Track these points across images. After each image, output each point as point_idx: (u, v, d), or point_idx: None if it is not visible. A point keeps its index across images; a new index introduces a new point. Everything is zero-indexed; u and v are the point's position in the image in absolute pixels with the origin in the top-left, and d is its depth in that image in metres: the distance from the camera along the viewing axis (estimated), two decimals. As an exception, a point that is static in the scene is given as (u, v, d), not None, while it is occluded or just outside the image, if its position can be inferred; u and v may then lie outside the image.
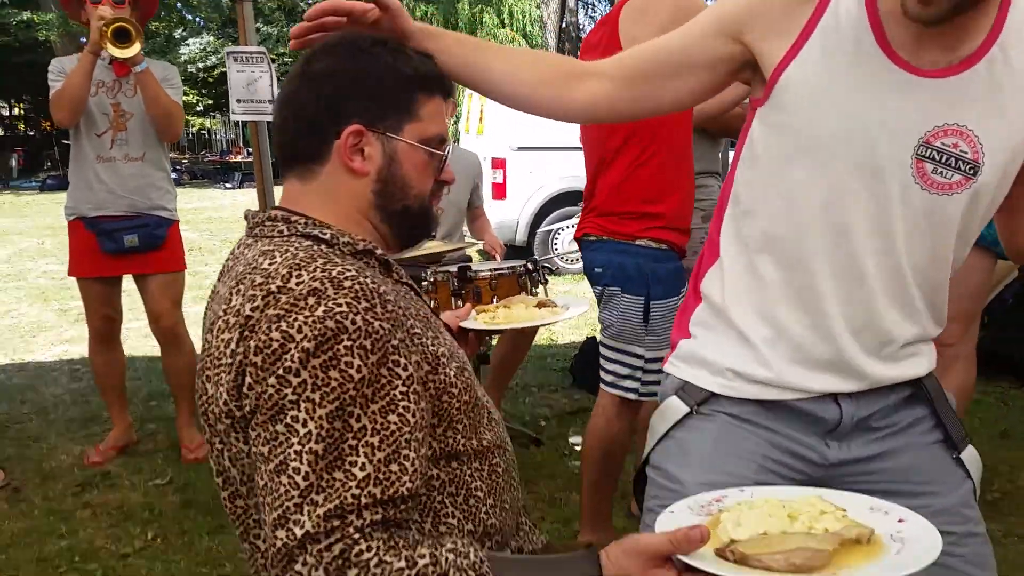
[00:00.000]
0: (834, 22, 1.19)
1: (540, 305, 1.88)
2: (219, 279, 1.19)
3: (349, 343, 0.98)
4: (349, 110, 1.14)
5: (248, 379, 1.00)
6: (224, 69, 4.11)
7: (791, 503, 1.05)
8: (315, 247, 1.10)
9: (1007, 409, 3.80)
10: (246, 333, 1.01)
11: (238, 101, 3.90)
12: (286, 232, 1.13)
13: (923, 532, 0.97)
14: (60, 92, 3.19)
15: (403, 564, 0.94)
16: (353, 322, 0.99)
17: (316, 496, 0.94)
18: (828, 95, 1.19)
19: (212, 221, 12.56)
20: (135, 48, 3.11)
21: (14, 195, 19.12)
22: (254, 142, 4.21)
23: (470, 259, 3.97)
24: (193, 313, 3.69)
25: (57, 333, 5.89)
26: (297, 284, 1.01)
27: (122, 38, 3.09)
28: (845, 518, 1.01)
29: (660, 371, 1.45)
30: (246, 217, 1.22)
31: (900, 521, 1.01)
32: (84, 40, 3.18)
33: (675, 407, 1.34)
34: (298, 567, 0.93)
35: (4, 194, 19.51)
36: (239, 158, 22.49)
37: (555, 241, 8.06)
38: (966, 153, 1.16)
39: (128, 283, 3.52)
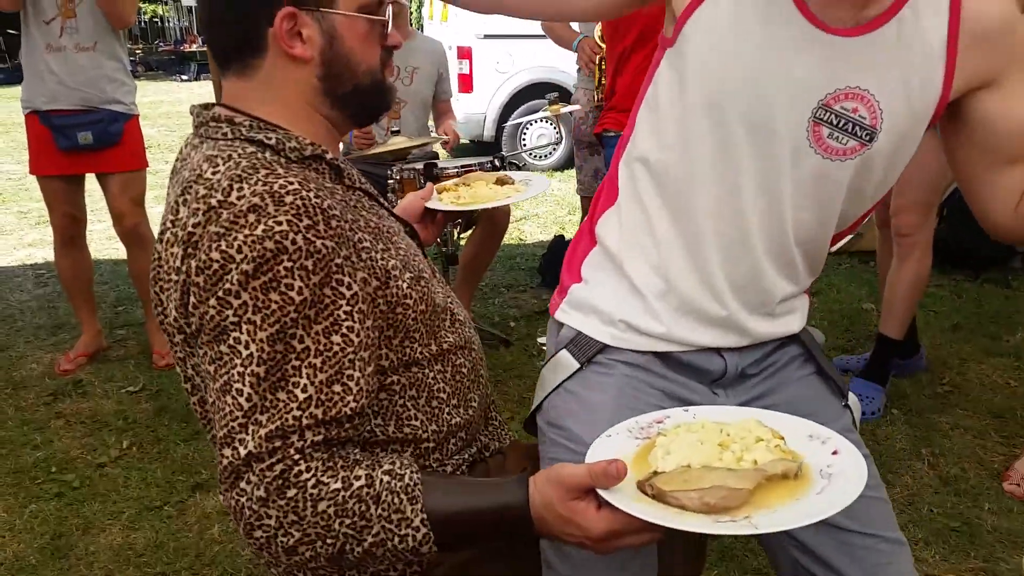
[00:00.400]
0: None
1: (499, 182, 1.85)
2: (170, 181, 1.15)
3: (290, 264, 0.97)
4: None
5: (192, 299, 1.00)
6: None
7: (728, 427, 1.03)
8: (259, 154, 1.06)
9: (960, 302, 3.91)
10: (189, 250, 1.00)
11: (195, -15, 3.73)
12: (230, 135, 1.09)
13: (853, 468, 0.94)
14: None
15: (339, 485, 0.96)
16: (294, 242, 0.97)
17: (260, 416, 0.96)
18: (733, 47, 1.14)
19: (170, 116, 12.18)
20: None
21: (-40, 88, 18.32)
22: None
23: (436, 155, 3.92)
24: (155, 214, 3.62)
25: (18, 237, 5.77)
26: (238, 199, 0.99)
27: None
28: (779, 448, 0.99)
29: None
30: (191, 112, 1.18)
31: (834, 453, 0.99)
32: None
33: (566, 363, 1.32)
34: (243, 484, 0.96)
35: (-51, 87, 18.68)
36: (194, 48, 21.60)
37: (523, 136, 7.95)
38: (864, 119, 1.14)
39: (91, 182, 3.44)
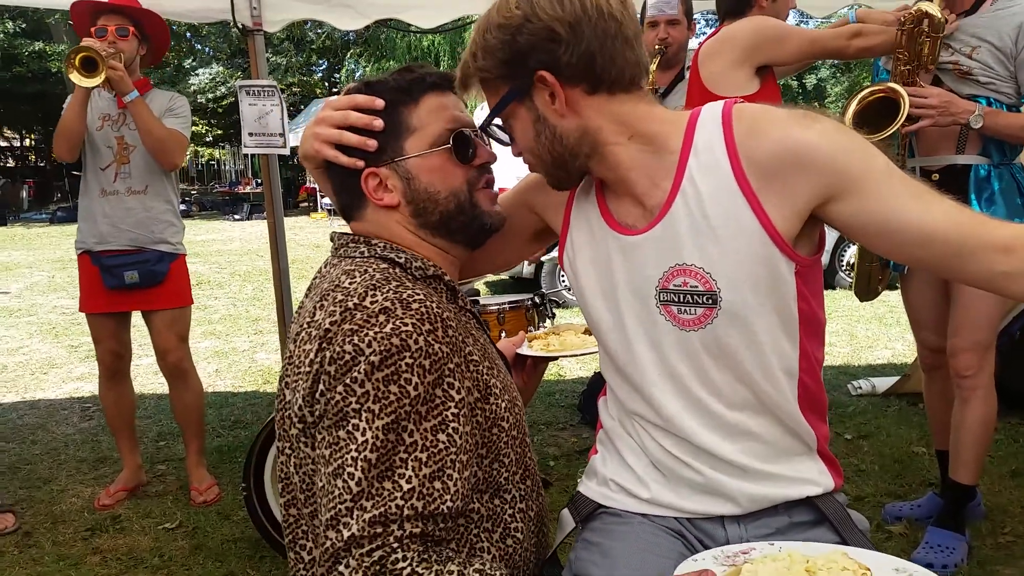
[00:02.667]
0: (583, 196, 1.35)
1: (588, 332, 1.91)
2: (306, 295, 1.28)
3: (411, 360, 1.07)
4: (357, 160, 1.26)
5: (321, 386, 1.09)
6: (233, 99, 4.16)
7: (814, 559, 1.05)
8: (391, 269, 1.20)
9: (1017, 447, 3.77)
10: (324, 344, 1.10)
11: (250, 135, 3.94)
12: (367, 253, 1.25)
13: None
14: (57, 127, 3.22)
15: None
16: (416, 341, 1.07)
17: (366, 502, 1.02)
18: (586, 269, 1.34)
19: (221, 254, 12.63)
20: (99, 78, 3.06)
21: (24, 227, 19.29)
22: (264, 174, 4.25)
23: (478, 292, 3.98)
24: (201, 349, 3.70)
25: (67, 370, 5.91)
26: (372, 303, 1.10)
27: (89, 67, 3.07)
28: None
29: None
30: (332, 239, 1.35)
31: None
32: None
33: (565, 522, 1.44)
34: (341, 568, 1.02)
35: (15, 226, 19.68)
36: (248, 189, 22.64)
37: (562, 273, 8.07)
38: (697, 287, 1.23)
39: (136, 318, 3.54)
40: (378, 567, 1.00)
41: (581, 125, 1.22)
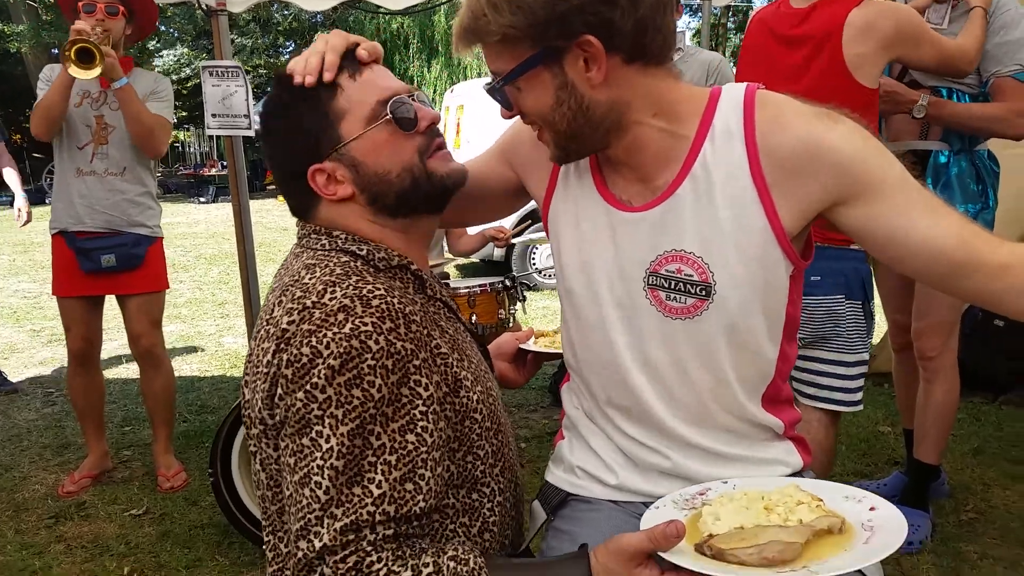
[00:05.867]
0: (572, 165, 1.29)
1: None
2: (270, 288, 1.23)
3: (372, 362, 1.02)
4: (301, 160, 1.18)
5: (279, 390, 1.05)
6: (199, 81, 4.08)
7: (769, 494, 1.10)
8: (352, 263, 1.15)
9: (979, 425, 3.84)
10: (282, 345, 1.06)
11: (213, 116, 3.87)
12: (328, 246, 1.18)
13: (892, 519, 1.02)
14: (38, 104, 3.13)
15: (409, 573, 1.00)
16: (376, 342, 1.03)
17: (335, 510, 1.00)
18: (569, 240, 1.29)
19: (186, 237, 12.44)
20: (96, 71, 3.01)
21: (-16, 210, 18.84)
22: (229, 157, 4.19)
23: (447, 275, 3.96)
24: (167, 332, 3.64)
25: (29, 355, 5.79)
26: (330, 300, 1.06)
27: (85, 58, 3.02)
28: (820, 507, 1.05)
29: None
30: (297, 226, 1.27)
31: (872, 509, 1.06)
32: (55, 52, 3.11)
33: (537, 514, 1.42)
34: None
35: (-27, 209, 19.21)
36: (213, 171, 22.24)
37: (533, 255, 8.07)
38: (692, 276, 1.19)
39: (107, 303, 3.46)
40: (354, 572, 0.99)
41: (612, 97, 1.14)
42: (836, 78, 2.22)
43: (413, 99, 1.19)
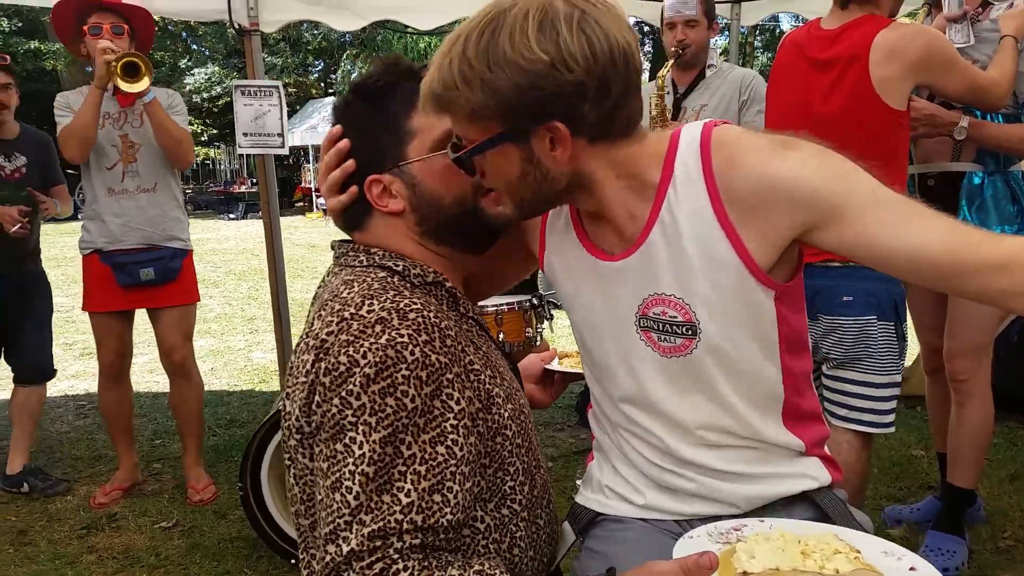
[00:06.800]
0: (556, 216, 1.32)
1: None
2: (311, 304, 1.27)
3: (407, 372, 1.04)
4: (360, 169, 1.23)
5: (317, 397, 1.08)
6: (229, 99, 4.15)
7: (806, 539, 1.08)
8: (389, 278, 1.17)
9: (1016, 450, 3.77)
10: (320, 355, 1.08)
11: (245, 135, 3.92)
12: (365, 262, 1.22)
13: None
14: (69, 129, 3.19)
15: None
16: (411, 352, 1.05)
17: (364, 516, 1.01)
18: (567, 290, 1.33)
19: (216, 253, 12.59)
20: (144, 83, 3.11)
21: (19, 224, 19.15)
22: (260, 175, 4.23)
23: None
24: (197, 347, 3.68)
25: (62, 368, 5.84)
26: (368, 312, 1.08)
27: (131, 72, 3.10)
28: (858, 560, 1.03)
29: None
30: (333, 247, 1.32)
31: (912, 570, 1.03)
32: (91, 69, 3.19)
33: (567, 535, 1.43)
34: None
35: (9, 223, 19.55)
36: (243, 189, 22.58)
37: (559, 274, 8.04)
38: (676, 317, 1.21)
39: (138, 317, 3.52)
40: None
41: (576, 170, 1.15)
42: (864, 100, 2.22)
43: None
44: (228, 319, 7.63)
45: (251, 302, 8.53)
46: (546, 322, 3.77)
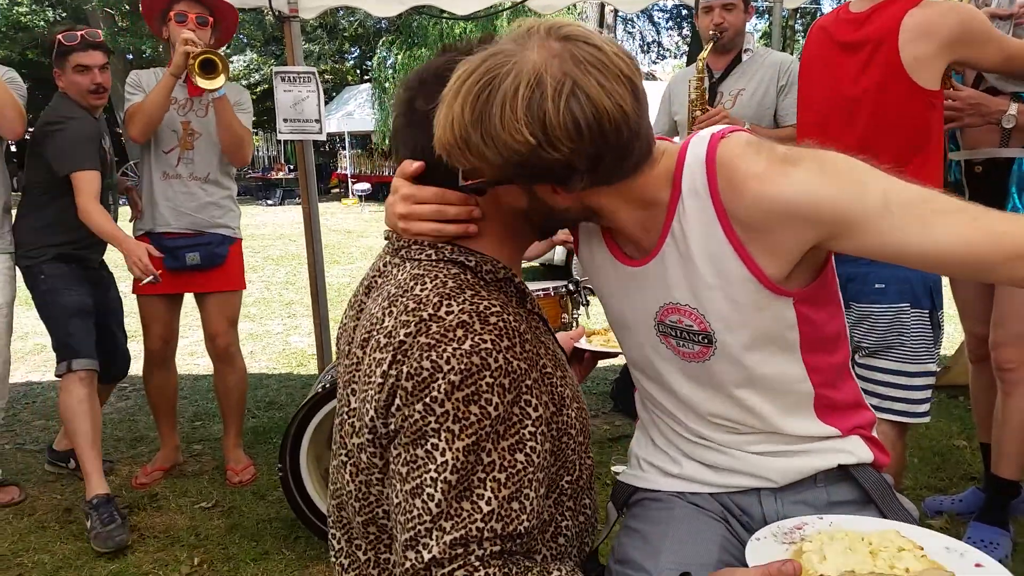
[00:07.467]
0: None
1: None
2: (364, 294, 1.25)
3: (491, 380, 1.03)
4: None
5: (398, 400, 1.06)
6: (267, 86, 4.19)
7: (870, 537, 1.09)
8: (462, 275, 1.15)
9: (1062, 442, 3.68)
10: (399, 357, 1.07)
11: (285, 121, 3.96)
12: (434, 257, 1.18)
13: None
14: (138, 107, 3.22)
15: None
16: (495, 359, 1.04)
17: (445, 523, 1.01)
18: (599, 286, 1.35)
19: (254, 238, 12.72)
20: (220, 80, 3.16)
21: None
22: (300, 161, 4.27)
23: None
24: (238, 331, 3.73)
25: (105, 351, 5.98)
26: (447, 314, 1.07)
27: (208, 69, 3.15)
28: (924, 558, 1.04)
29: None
30: (386, 237, 1.30)
31: (978, 566, 1.03)
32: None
33: (610, 515, 1.47)
34: None
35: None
36: (280, 175, 22.78)
37: (594, 260, 8.03)
38: (692, 326, 1.22)
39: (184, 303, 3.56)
40: None
41: (582, 205, 1.16)
42: (894, 81, 2.17)
43: None
44: (266, 303, 7.73)
45: (288, 287, 8.62)
46: (582, 308, 3.76)
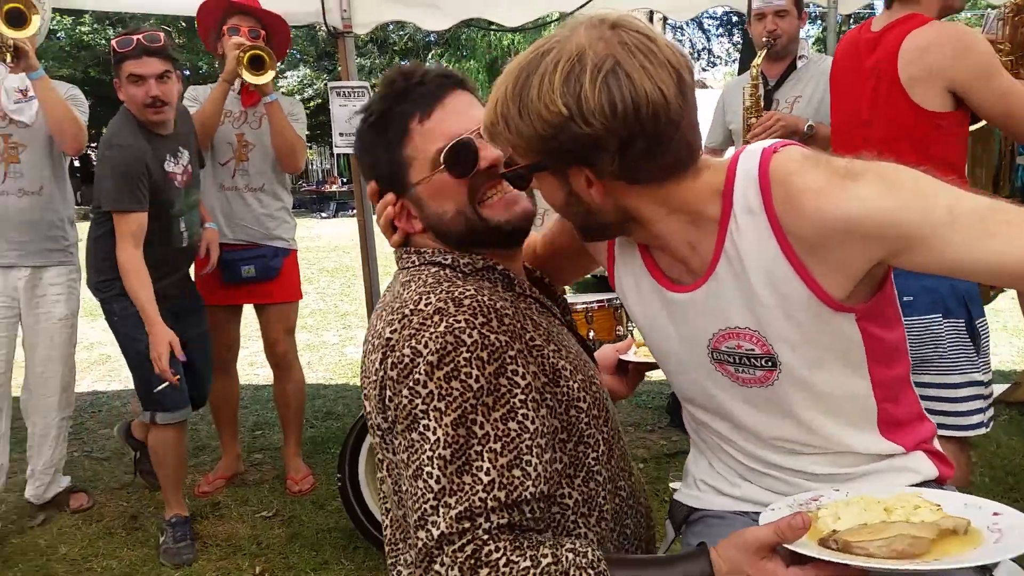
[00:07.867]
0: (625, 238, 1.28)
1: None
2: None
3: (467, 355, 1.08)
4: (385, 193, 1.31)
5: (388, 392, 1.12)
6: (321, 100, 4.25)
7: (886, 500, 1.09)
8: (441, 272, 1.22)
9: None
10: (386, 352, 1.13)
11: (341, 135, 4.02)
12: (417, 262, 1.27)
13: (1020, 522, 0.99)
14: (195, 118, 3.28)
15: (528, 563, 1.02)
16: (469, 336, 1.09)
17: (449, 499, 1.04)
18: (637, 311, 1.32)
19: (309, 251, 12.89)
20: (269, 75, 3.21)
21: (125, 223, 20.06)
22: (356, 174, 4.32)
23: (563, 292, 3.95)
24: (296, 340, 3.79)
25: (167, 361, 6.11)
26: (426, 305, 1.13)
27: (257, 65, 3.21)
28: (940, 511, 1.04)
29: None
30: (396, 257, 1.37)
31: (995, 514, 1.03)
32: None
33: (668, 532, 1.46)
34: (436, 567, 1.03)
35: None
36: (334, 188, 23.14)
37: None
38: (753, 350, 1.17)
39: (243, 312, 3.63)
40: (472, 560, 1.01)
41: (619, 206, 1.14)
42: (896, 102, 2.13)
43: (476, 137, 1.22)
44: (323, 314, 7.83)
45: (344, 298, 8.73)
46: (637, 320, 3.73)
